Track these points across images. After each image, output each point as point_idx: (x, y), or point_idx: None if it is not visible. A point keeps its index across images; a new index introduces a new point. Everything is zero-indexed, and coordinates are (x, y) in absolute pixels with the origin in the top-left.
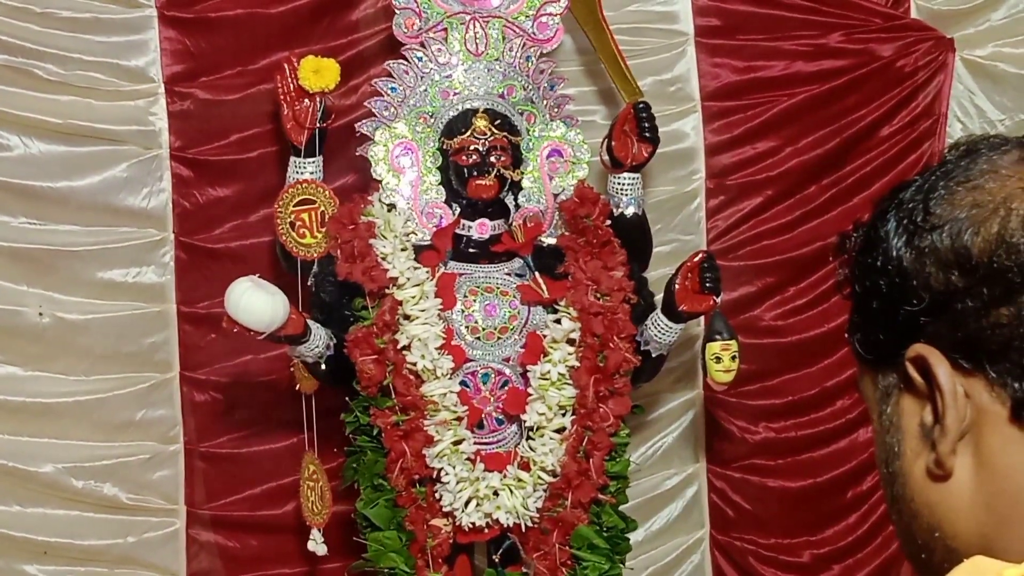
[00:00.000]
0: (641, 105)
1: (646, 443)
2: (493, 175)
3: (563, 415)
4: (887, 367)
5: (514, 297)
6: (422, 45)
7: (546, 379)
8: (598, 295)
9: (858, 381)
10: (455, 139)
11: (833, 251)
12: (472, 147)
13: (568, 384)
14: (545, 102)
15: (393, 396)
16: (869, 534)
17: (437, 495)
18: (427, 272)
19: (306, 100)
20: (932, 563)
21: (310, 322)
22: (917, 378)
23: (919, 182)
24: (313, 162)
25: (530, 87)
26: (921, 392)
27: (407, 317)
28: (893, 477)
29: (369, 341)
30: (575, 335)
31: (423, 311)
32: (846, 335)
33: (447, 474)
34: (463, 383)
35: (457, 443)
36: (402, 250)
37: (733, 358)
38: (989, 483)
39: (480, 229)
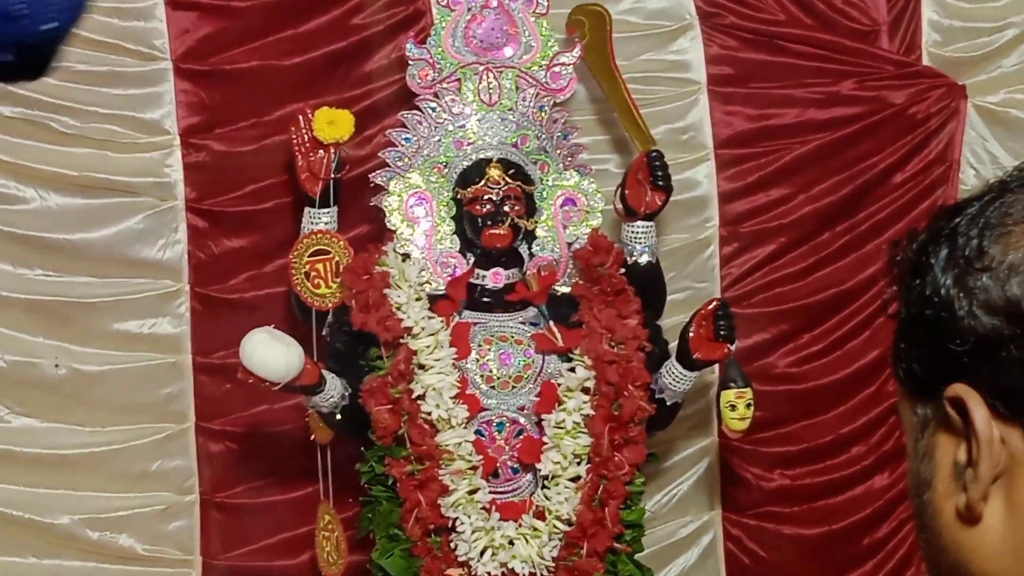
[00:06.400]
0: (654, 153)
1: (661, 491)
2: (507, 224)
3: (578, 464)
4: (926, 398)
5: (529, 346)
6: (436, 96)
7: (561, 428)
8: (612, 343)
9: (897, 404)
10: (469, 189)
11: (885, 265)
12: (486, 196)
13: (583, 433)
14: (559, 151)
15: (408, 446)
16: None
17: (452, 545)
18: (442, 321)
19: (320, 151)
20: None
21: (325, 372)
22: (955, 417)
23: (976, 210)
24: (328, 212)
25: (543, 136)
26: (957, 430)
27: (422, 367)
28: (923, 507)
29: (384, 391)
30: (590, 384)
31: (438, 360)
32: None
33: (462, 523)
34: (478, 432)
35: (472, 492)
36: (416, 300)
37: (748, 405)
38: (1019, 530)
39: (494, 278)
